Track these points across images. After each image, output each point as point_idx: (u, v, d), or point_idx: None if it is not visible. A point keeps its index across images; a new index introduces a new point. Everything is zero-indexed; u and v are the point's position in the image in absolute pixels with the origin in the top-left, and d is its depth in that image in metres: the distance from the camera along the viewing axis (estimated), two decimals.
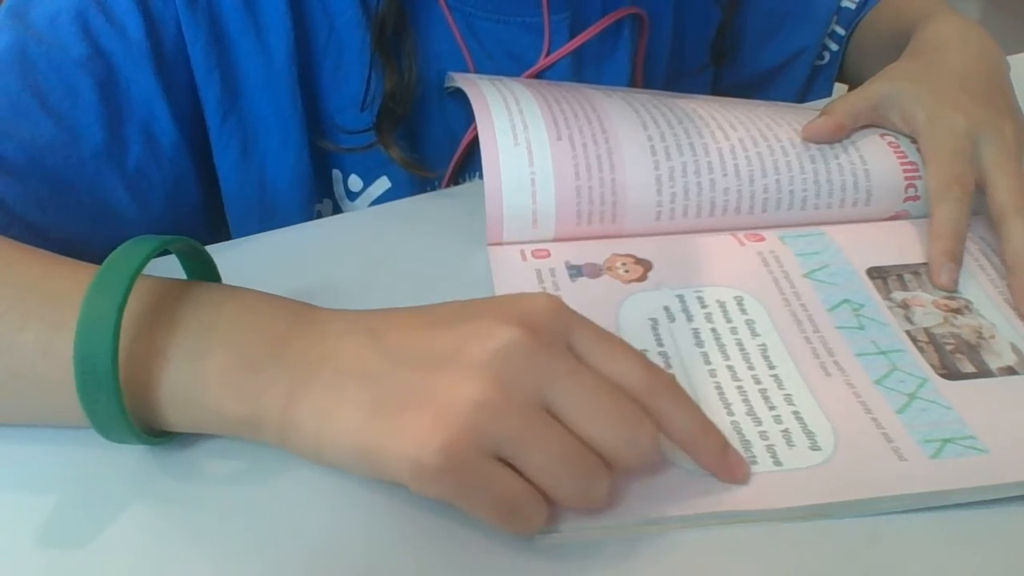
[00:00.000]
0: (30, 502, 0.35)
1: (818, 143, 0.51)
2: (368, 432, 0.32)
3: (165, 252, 0.36)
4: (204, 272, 0.39)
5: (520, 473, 0.31)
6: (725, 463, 0.35)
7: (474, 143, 0.58)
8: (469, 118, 0.58)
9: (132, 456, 0.36)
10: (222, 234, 0.57)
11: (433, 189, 0.60)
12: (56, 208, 0.48)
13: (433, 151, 0.60)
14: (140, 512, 0.34)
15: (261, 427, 0.34)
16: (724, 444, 0.35)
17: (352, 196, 0.61)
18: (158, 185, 0.53)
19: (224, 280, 0.39)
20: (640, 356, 0.34)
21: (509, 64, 0.59)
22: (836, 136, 0.51)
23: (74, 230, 0.49)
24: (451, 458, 0.30)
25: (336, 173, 0.60)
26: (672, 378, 0.34)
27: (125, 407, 0.33)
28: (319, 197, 0.61)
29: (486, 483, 0.31)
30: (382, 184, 0.60)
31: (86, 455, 0.36)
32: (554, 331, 0.33)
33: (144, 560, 0.33)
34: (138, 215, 0.52)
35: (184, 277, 0.39)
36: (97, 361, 0.32)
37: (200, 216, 0.57)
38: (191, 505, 0.35)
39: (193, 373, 0.34)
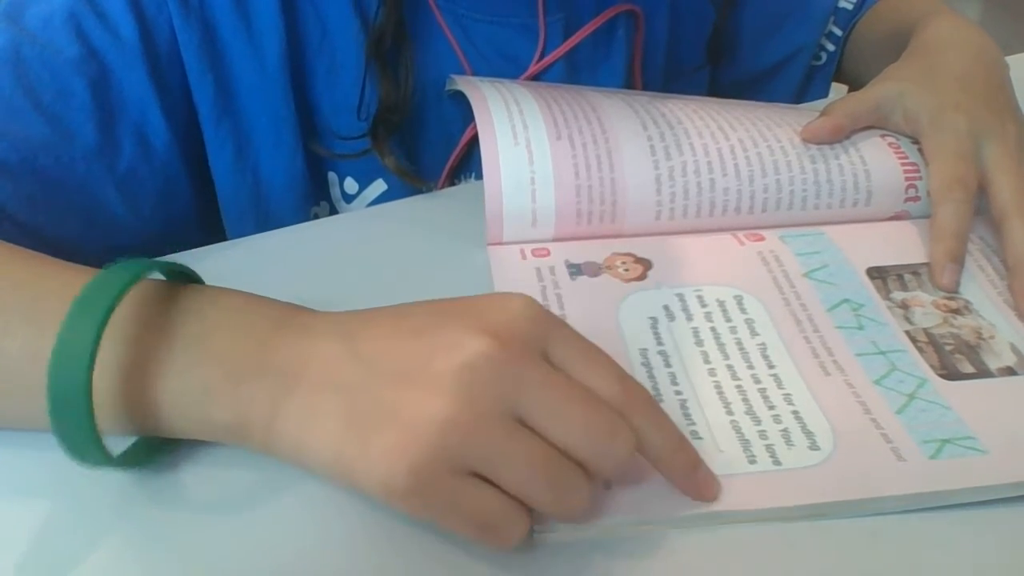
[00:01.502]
0: (21, 506, 0.35)
1: (817, 144, 0.51)
2: (342, 447, 0.31)
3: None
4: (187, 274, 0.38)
5: (499, 488, 0.31)
6: (695, 482, 0.34)
7: (471, 144, 0.58)
8: (466, 121, 0.58)
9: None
10: (215, 236, 0.57)
11: (430, 191, 0.60)
12: (47, 207, 0.48)
13: (429, 155, 0.60)
14: (129, 514, 0.34)
15: (248, 436, 0.34)
16: (696, 462, 0.34)
17: (348, 199, 0.61)
18: (149, 186, 0.53)
19: (222, 282, 0.38)
20: (618, 368, 0.33)
21: (505, 66, 0.59)
22: (835, 137, 0.51)
23: (65, 230, 0.49)
24: (420, 480, 0.30)
25: (332, 176, 0.60)
26: (648, 393, 0.33)
27: (103, 444, 0.32)
28: (315, 200, 0.61)
29: (457, 502, 0.30)
30: (378, 187, 0.60)
31: (69, 466, 0.34)
32: (527, 338, 0.32)
33: (136, 564, 0.33)
34: (129, 215, 0.52)
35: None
36: (70, 393, 0.31)
37: (192, 217, 0.57)
38: (172, 524, 0.34)
39: (181, 385, 0.34)
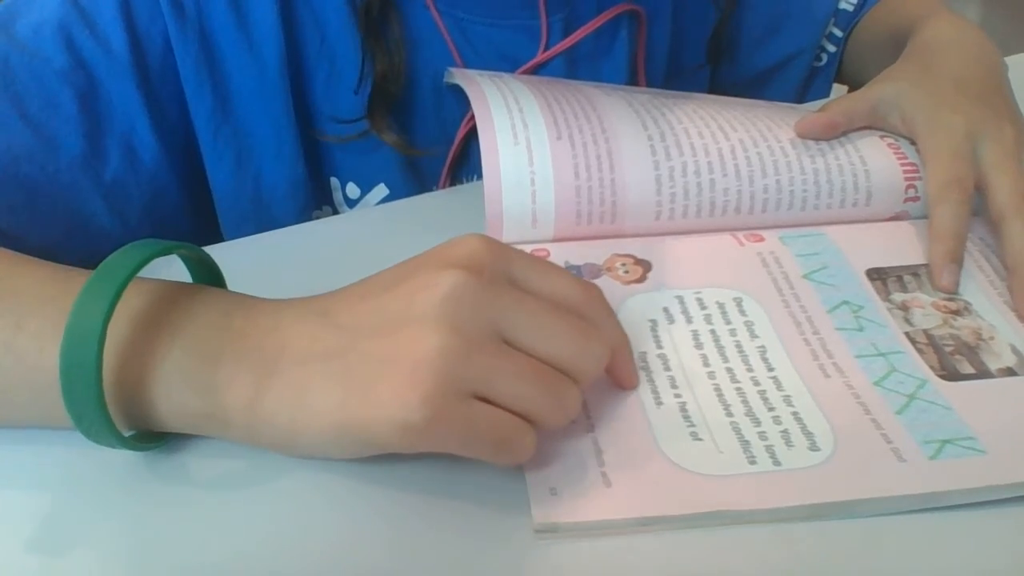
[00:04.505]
0: (20, 503, 0.35)
1: (811, 139, 0.51)
2: (347, 408, 0.32)
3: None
4: (208, 277, 0.39)
5: (498, 405, 0.32)
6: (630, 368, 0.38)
7: (470, 138, 0.58)
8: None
9: (121, 457, 0.36)
10: (208, 242, 0.57)
11: (431, 156, 0.60)
12: (30, 216, 0.48)
13: (429, 157, 0.60)
14: (130, 513, 0.35)
15: (228, 423, 0.34)
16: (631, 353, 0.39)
17: (351, 204, 0.61)
18: (136, 197, 0.53)
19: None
20: (572, 275, 0.36)
21: (504, 67, 0.59)
22: (828, 133, 0.51)
23: (48, 238, 0.49)
24: (435, 409, 0.31)
25: (334, 181, 0.60)
26: (599, 290, 0.37)
27: (109, 415, 0.32)
28: (318, 204, 0.61)
29: (472, 423, 0.32)
30: (380, 191, 0.60)
31: (77, 456, 0.36)
32: (493, 266, 0.34)
33: (133, 562, 0.33)
34: (115, 225, 0.52)
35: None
36: (82, 369, 0.32)
37: (182, 225, 0.57)
38: (179, 506, 0.35)
39: (162, 373, 0.34)
